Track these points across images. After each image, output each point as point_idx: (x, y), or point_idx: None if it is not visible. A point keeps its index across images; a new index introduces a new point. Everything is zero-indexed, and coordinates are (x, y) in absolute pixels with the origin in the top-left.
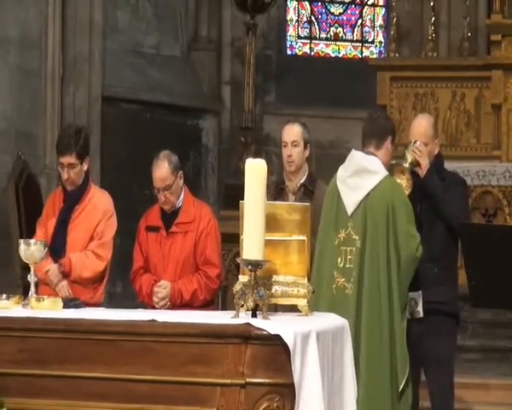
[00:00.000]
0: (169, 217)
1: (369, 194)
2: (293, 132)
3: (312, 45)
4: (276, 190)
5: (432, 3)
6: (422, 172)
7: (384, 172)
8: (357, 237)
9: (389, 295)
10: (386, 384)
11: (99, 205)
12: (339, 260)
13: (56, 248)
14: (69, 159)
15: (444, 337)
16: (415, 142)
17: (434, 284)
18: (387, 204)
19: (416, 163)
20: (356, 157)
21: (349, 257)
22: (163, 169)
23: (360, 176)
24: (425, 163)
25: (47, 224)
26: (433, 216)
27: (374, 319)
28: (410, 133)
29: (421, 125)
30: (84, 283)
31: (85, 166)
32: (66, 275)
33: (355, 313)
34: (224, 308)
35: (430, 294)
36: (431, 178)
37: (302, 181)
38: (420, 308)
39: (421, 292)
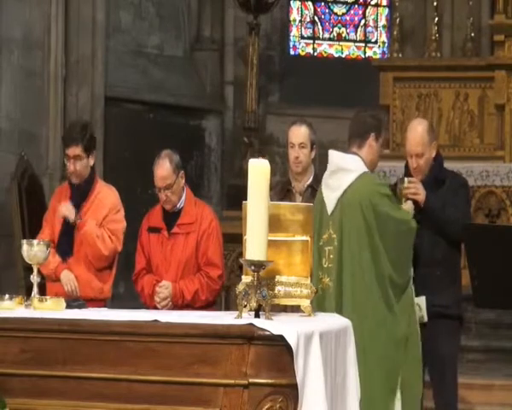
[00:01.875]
0: (171, 218)
1: (345, 191)
2: (300, 134)
3: (315, 45)
4: (282, 191)
5: (435, 4)
6: (421, 203)
7: (361, 170)
8: (335, 236)
9: (379, 283)
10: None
11: (105, 201)
12: (323, 260)
13: (63, 247)
14: (75, 150)
15: (447, 338)
16: (402, 179)
17: (438, 287)
18: (363, 199)
19: (414, 200)
20: (333, 157)
21: (331, 256)
22: (164, 168)
23: (337, 175)
24: (422, 197)
25: (53, 221)
26: None
27: (360, 314)
28: (406, 141)
29: (417, 131)
30: (97, 262)
31: (92, 161)
32: (79, 228)
33: (335, 310)
34: (227, 309)
35: (434, 297)
36: (430, 201)
37: (309, 182)
38: (424, 313)
39: (424, 297)
